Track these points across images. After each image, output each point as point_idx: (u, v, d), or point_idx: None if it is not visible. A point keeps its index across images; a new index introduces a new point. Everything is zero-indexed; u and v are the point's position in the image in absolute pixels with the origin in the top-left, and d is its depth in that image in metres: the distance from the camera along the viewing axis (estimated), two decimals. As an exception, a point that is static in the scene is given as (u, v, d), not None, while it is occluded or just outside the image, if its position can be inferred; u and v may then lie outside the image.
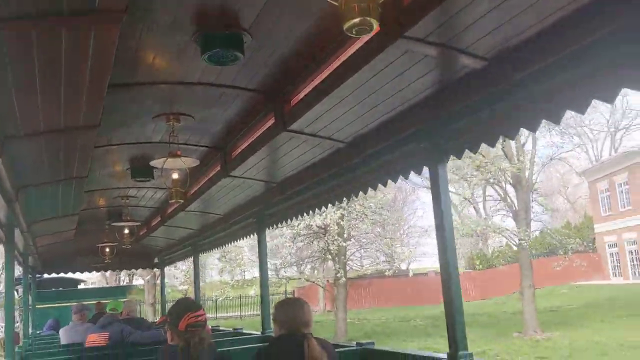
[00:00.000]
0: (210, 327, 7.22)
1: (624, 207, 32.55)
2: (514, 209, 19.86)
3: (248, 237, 7.40)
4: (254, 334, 6.34)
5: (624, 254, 32.52)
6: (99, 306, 8.64)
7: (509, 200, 20.61)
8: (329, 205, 5.05)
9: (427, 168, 3.34)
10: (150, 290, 28.80)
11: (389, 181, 3.89)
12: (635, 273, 32.00)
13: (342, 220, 19.24)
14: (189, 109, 3.91)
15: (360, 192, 4.31)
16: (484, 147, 3.07)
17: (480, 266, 35.86)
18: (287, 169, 4.77)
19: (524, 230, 18.87)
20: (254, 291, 34.64)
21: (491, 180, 19.43)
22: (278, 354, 2.95)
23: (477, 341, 16.47)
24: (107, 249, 9.45)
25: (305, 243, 21.89)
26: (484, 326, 20.78)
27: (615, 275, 33.89)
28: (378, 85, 2.91)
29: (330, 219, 18.69)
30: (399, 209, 34.92)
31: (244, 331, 6.80)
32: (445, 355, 3.23)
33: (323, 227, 19.46)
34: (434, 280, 33.82)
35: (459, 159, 3.34)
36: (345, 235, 20.14)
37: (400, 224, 30.91)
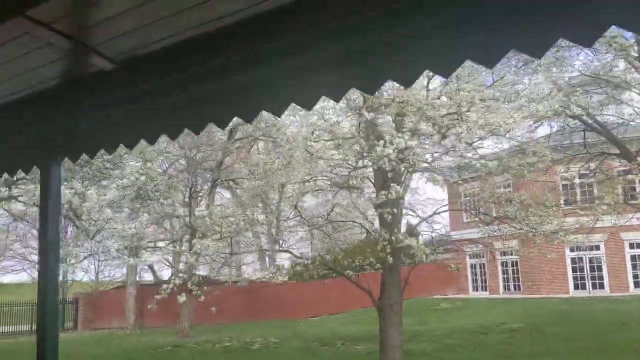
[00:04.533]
0: None
1: (499, 214, 28.92)
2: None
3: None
4: None
5: (495, 265, 29.35)
6: None
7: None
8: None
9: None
10: None
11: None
12: (507, 287, 29.55)
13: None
14: None
15: None
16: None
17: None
18: None
19: None
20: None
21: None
22: None
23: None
24: None
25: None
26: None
27: (476, 290, 31.20)
28: None
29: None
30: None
31: None
32: None
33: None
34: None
35: (74, 163, 3.18)
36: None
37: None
